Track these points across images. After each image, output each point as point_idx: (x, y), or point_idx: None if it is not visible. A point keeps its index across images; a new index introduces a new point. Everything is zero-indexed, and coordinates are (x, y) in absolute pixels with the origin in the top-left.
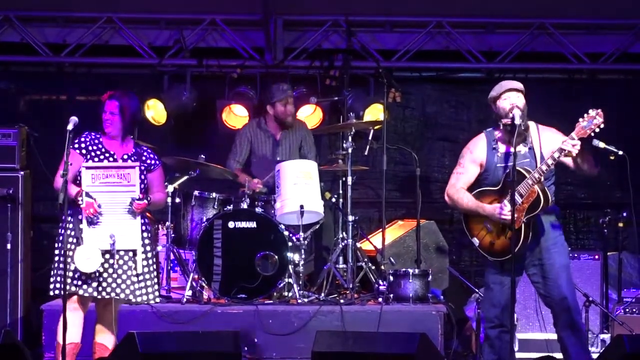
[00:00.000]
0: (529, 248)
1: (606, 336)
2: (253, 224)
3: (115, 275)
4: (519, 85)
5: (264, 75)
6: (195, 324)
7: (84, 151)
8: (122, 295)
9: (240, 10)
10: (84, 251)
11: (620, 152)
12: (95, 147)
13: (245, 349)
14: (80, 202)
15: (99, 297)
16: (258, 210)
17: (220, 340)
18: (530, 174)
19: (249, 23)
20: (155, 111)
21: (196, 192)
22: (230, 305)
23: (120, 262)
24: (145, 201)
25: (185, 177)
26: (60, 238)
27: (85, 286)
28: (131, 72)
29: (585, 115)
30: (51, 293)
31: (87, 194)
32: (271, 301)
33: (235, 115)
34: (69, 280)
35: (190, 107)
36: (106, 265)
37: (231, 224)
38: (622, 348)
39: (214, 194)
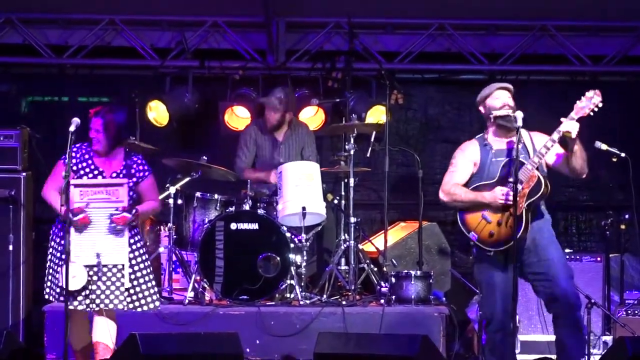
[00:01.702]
0: (525, 248)
1: (608, 338)
2: (255, 226)
3: (104, 287)
4: (509, 85)
5: (266, 77)
6: (197, 326)
7: (74, 167)
8: (111, 306)
9: (242, 12)
10: (70, 270)
11: (622, 154)
12: (85, 164)
13: (247, 350)
14: (73, 217)
15: (89, 309)
16: (260, 211)
17: (222, 342)
18: (529, 159)
19: (251, 25)
20: (157, 113)
21: (198, 194)
22: (232, 306)
23: (109, 274)
24: (126, 214)
25: (187, 179)
26: (53, 244)
27: (75, 302)
28: (133, 74)
29: (583, 97)
30: (46, 296)
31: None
32: (273, 303)
33: (238, 117)
34: (55, 294)
35: (193, 108)
36: (95, 278)
37: (233, 226)
38: (624, 350)
39: (216, 196)
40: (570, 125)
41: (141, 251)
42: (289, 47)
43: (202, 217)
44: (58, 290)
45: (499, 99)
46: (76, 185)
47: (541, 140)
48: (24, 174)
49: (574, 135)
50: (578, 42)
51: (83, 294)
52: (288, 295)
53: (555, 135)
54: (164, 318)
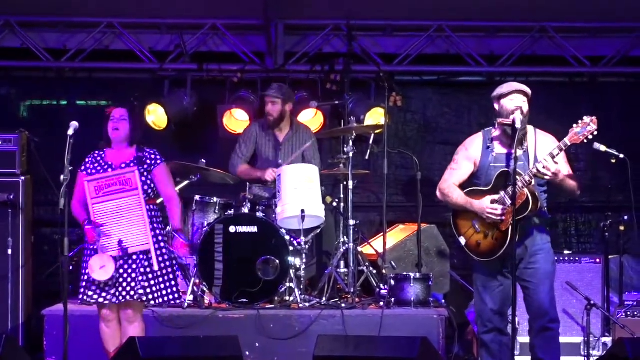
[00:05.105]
0: (515, 252)
1: (608, 339)
2: (254, 229)
3: (129, 279)
4: (527, 89)
5: (264, 80)
6: (197, 329)
7: (89, 171)
8: (136, 297)
9: (241, 15)
10: (97, 261)
11: (621, 156)
12: (96, 164)
13: (247, 353)
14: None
15: (117, 302)
16: (259, 214)
17: (222, 345)
18: (520, 177)
19: (250, 27)
20: (156, 116)
21: (197, 197)
22: (231, 310)
23: (134, 266)
24: (182, 239)
25: (186, 182)
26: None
27: (104, 294)
28: (132, 77)
29: (580, 121)
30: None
31: (89, 223)
32: (272, 306)
33: (236, 120)
34: (89, 292)
35: (191, 111)
36: (121, 271)
37: (232, 229)
38: (624, 351)
39: (215, 199)
40: (546, 165)
41: (160, 237)
42: (287, 49)
43: (201, 220)
44: (90, 285)
45: (513, 101)
46: (89, 182)
47: (547, 146)
48: (23, 177)
49: (547, 177)
50: (577, 44)
51: (111, 285)
52: (287, 298)
53: (540, 165)
54: (163, 322)
